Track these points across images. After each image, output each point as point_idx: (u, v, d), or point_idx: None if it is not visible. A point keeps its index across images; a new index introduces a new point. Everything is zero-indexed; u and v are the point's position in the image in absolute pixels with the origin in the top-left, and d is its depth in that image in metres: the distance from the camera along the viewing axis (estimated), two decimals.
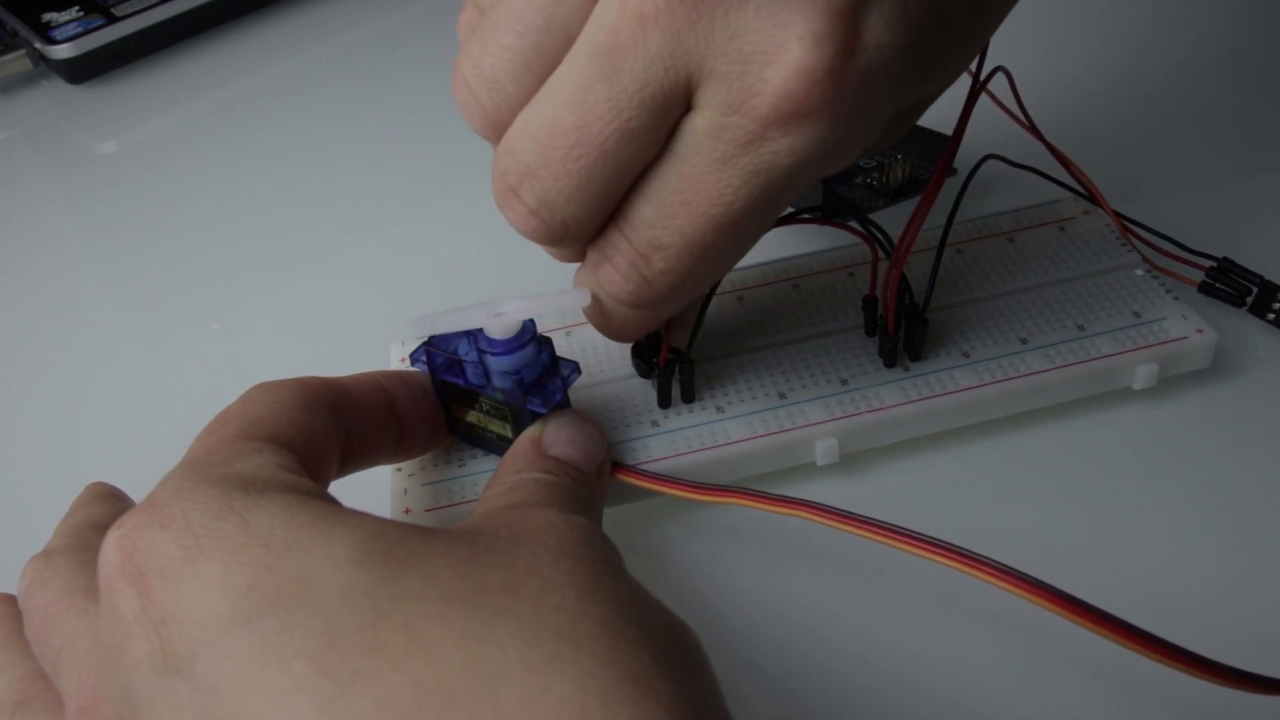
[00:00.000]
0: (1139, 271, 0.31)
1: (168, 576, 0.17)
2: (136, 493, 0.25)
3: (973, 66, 0.28)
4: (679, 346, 0.28)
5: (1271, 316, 0.31)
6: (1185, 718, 0.24)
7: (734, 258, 0.24)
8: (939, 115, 0.28)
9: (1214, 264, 0.32)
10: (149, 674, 0.17)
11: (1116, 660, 0.21)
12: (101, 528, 0.20)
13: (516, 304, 0.24)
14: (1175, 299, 0.30)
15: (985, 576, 0.21)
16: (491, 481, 0.24)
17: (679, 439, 0.28)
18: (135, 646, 0.17)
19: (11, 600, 0.23)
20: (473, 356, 0.25)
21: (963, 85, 0.28)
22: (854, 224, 0.29)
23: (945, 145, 0.28)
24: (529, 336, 0.25)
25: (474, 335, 0.25)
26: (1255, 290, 0.31)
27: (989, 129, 0.33)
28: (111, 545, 0.18)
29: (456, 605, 0.17)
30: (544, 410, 0.25)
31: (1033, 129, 0.32)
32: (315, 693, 0.16)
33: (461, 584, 0.18)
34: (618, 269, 0.23)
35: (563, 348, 0.30)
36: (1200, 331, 0.29)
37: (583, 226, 0.23)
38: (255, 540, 0.18)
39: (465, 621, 0.17)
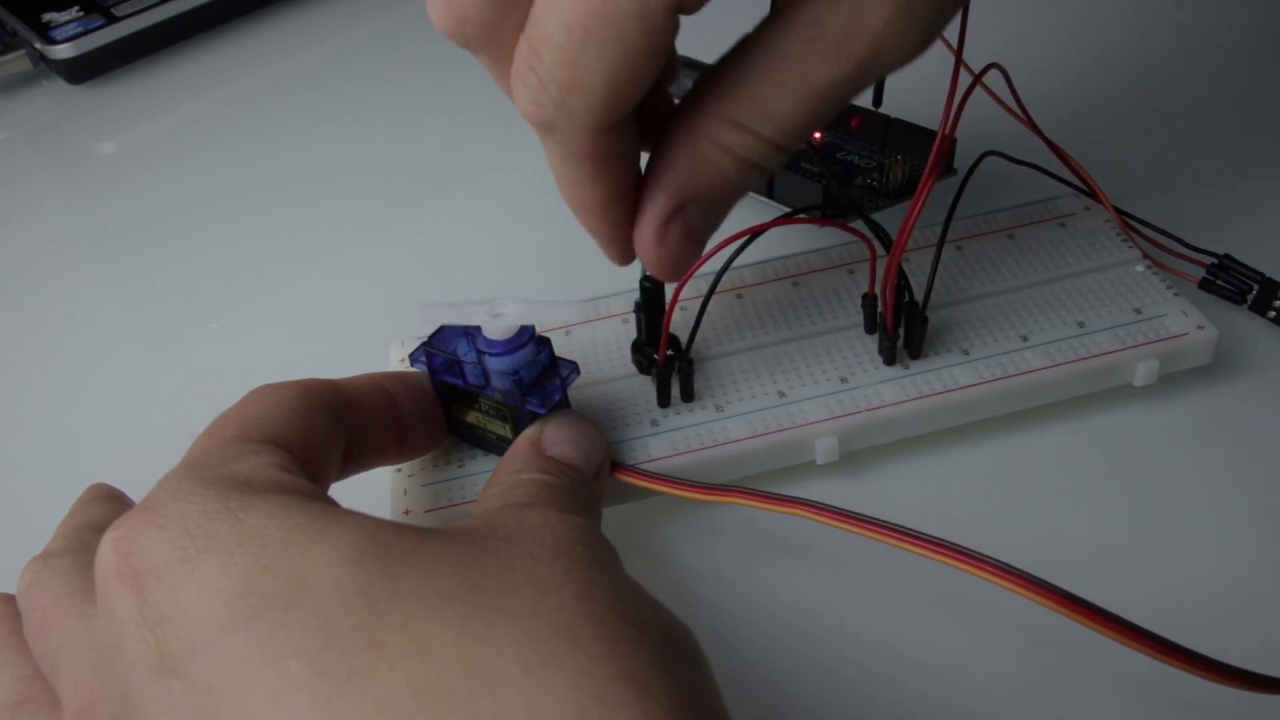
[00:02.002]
0: (1140, 268, 0.31)
1: (163, 577, 0.17)
2: (137, 493, 0.25)
3: (966, 70, 0.28)
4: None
5: (1272, 314, 0.31)
6: (1186, 717, 0.23)
7: (629, 60, 0.20)
8: (938, 115, 0.28)
9: (1215, 261, 0.31)
10: (145, 674, 0.17)
11: (1117, 659, 0.21)
12: (100, 529, 0.20)
13: (515, 307, 0.24)
14: (1176, 295, 0.30)
15: (986, 575, 0.21)
16: (490, 482, 0.24)
17: (678, 438, 0.28)
18: (131, 647, 0.17)
19: (11, 600, 0.23)
20: (472, 357, 0.25)
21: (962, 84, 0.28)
22: (854, 224, 0.29)
23: (938, 143, 0.27)
24: (528, 337, 0.25)
25: (473, 336, 0.25)
26: (1256, 288, 0.31)
27: (989, 125, 0.33)
28: (108, 546, 0.18)
29: (453, 604, 0.17)
30: (543, 410, 0.25)
31: (1031, 125, 0.32)
32: (312, 692, 0.16)
33: (458, 583, 0.18)
34: (517, 74, 0.21)
35: (562, 347, 0.30)
36: (1201, 328, 0.29)
37: (480, 20, 0.21)
38: (251, 540, 0.18)
39: (462, 620, 0.17)
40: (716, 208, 0.24)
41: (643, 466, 0.27)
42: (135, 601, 0.17)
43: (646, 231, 0.24)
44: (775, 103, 0.22)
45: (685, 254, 0.24)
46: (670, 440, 0.27)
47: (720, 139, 0.22)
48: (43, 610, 0.21)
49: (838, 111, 0.22)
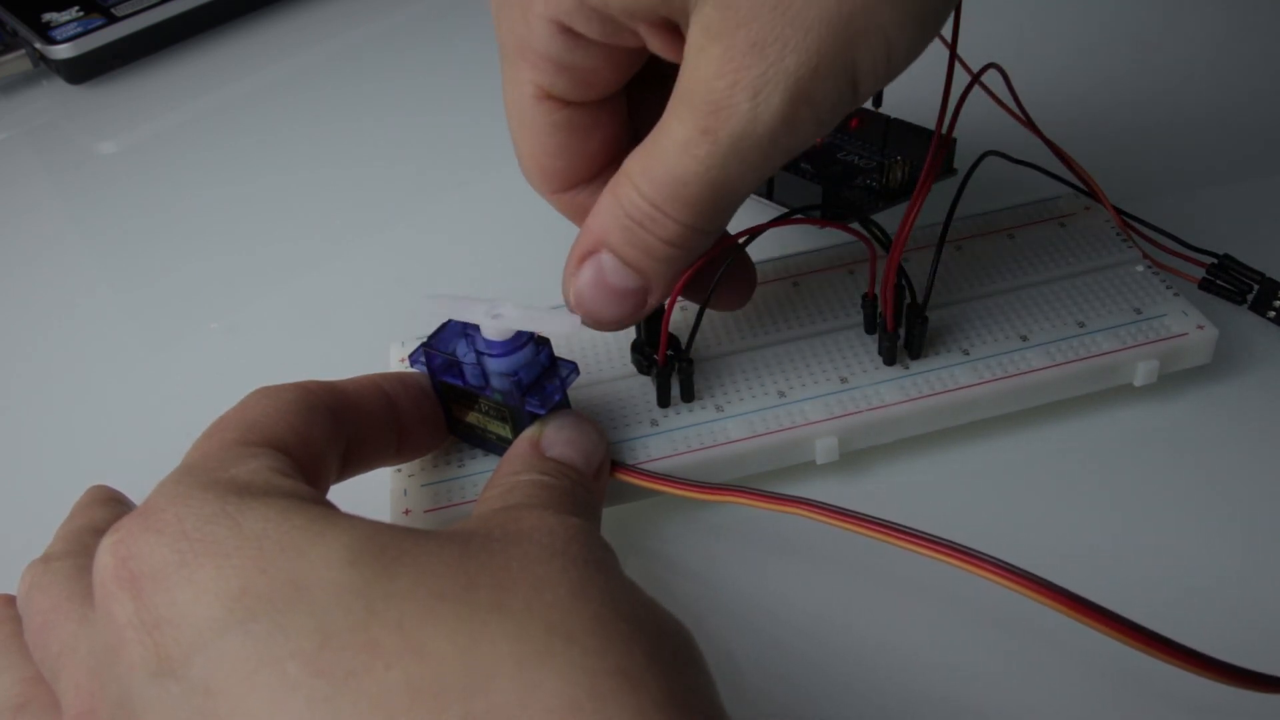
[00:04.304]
0: (1140, 268, 0.31)
1: (161, 581, 0.17)
2: (137, 494, 0.25)
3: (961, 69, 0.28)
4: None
5: (1272, 314, 0.31)
6: (1187, 716, 0.23)
7: (530, 135, 0.25)
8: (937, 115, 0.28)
9: (1215, 261, 0.31)
10: (144, 678, 0.17)
11: (1117, 657, 0.21)
12: (100, 532, 0.20)
13: (514, 311, 0.24)
14: (1176, 295, 0.30)
15: (987, 574, 0.21)
16: (490, 483, 0.24)
17: (678, 438, 0.28)
18: (130, 651, 0.17)
19: (12, 601, 0.23)
20: (471, 358, 0.25)
21: (957, 84, 0.28)
22: (853, 224, 0.29)
23: (935, 144, 0.27)
24: (527, 338, 0.25)
25: (472, 337, 0.25)
26: (1256, 288, 0.31)
27: (988, 126, 0.33)
28: (106, 551, 0.18)
29: (448, 603, 0.17)
30: (542, 411, 0.25)
31: (1030, 125, 0.32)
32: (309, 692, 0.16)
33: (453, 582, 0.18)
34: None
35: (562, 348, 0.30)
36: (1201, 328, 0.29)
37: None
38: (248, 543, 0.18)
39: (456, 619, 0.17)
40: (627, 264, 0.24)
41: (643, 466, 0.27)
42: (133, 605, 0.17)
43: (568, 263, 0.25)
44: (649, 156, 0.23)
45: (596, 300, 0.25)
46: (670, 440, 0.27)
47: (619, 191, 0.23)
48: (43, 614, 0.21)
49: (720, 195, 0.23)
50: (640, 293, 0.25)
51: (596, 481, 0.25)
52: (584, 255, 0.25)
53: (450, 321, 0.26)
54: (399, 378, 0.26)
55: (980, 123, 0.32)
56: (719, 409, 0.28)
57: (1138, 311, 0.29)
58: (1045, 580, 0.21)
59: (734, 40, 0.20)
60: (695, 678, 0.18)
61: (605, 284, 0.25)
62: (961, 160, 0.35)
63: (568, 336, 0.30)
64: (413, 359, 0.26)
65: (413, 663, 0.16)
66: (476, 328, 0.25)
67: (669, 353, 0.28)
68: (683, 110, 0.22)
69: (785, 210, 0.35)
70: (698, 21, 0.21)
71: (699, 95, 0.21)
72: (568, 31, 0.22)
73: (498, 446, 0.27)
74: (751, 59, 0.20)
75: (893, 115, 0.36)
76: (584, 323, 0.25)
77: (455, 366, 0.26)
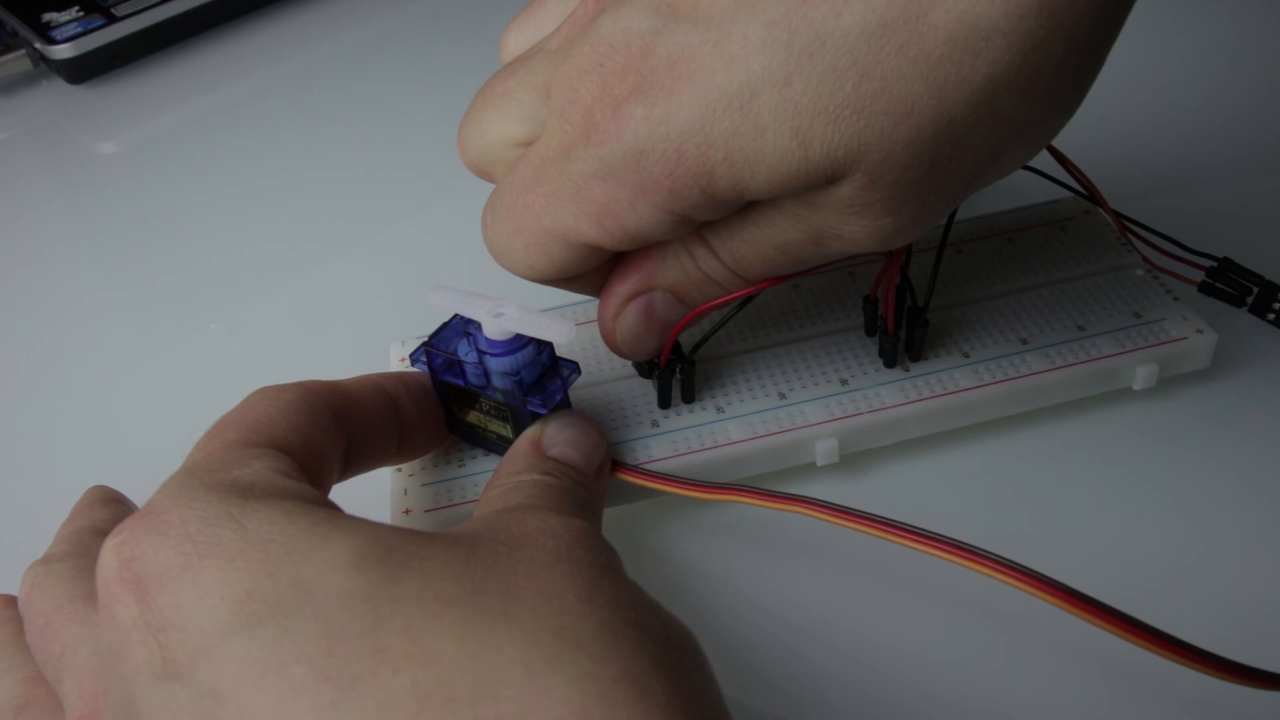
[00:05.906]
0: (1139, 271, 0.31)
1: (166, 583, 0.17)
2: (137, 494, 0.25)
3: None
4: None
5: (1271, 316, 0.31)
6: (1185, 712, 0.24)
7: (546, 261, 0.24)
8: None
9: (1214, 264, 0.31)
10: (149, 681, 0.17)
11: (1117, 655, 0.21)
12: (101, 533, 0.20)
13: (515, 313, 0.24)
14: (1175, 299, 0.30)
15: (988, 571, 0.21)
16: (491, 482, 0.24)
17: (679, 439, 0.28)
18: (134, 653, 0.17)
19: (12, 602, 0.23)
20: (473, 357, 0.25)
21: None
22: None
23: None
24: (529, 337, 0.25)
25: (474, 336, 0.25)
26: (1255, 290, 0.31)
27: None
28: (109, 552, 0.18)
29: (455, 607, 0.17)
30: (544, 411, 0.25)
31: None
32: (316, 697, 0.16)
33: (460, 586, 0.18)
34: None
35: (563, 348, 0.30)
36: (1200, 332, 0.29)
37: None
38: (253, 546, 0.18)
39: (464, 624, 0.17)
40: (680, 302, 0.26)
41: (644, 467, 0.27)
42: (138, 608, 0.17)
43: (607, 304, 0.26)
44: (739, 238, 0.24)
45: (640, 331, 0.26)
46: (671, 441, 0.28)
47: (700, 258, 0.24)
48: (45, 616, 0.21)
49: (800, 268, 0.24)
50: (679, 321, 0.26)
51: (597, 481, 0.25)
52: (634, 296, 0.26)
53: (451, 321, 0.26)
54: (400, 377, 0.26)
55: None
56: (720, 410, 0.28)
57: (1137, 315, 0.30)
58: (1045, 576, 0.21)
59: (872, 212, 0.21)
60: (701, 683, 0.18)
61: (653, 318, 0.26)
62: None
63: (568, 343, 0.30)
64: (414, 358, 0.26)
65: (420, 668, 0.16)
66: (478, 327, 0.25)
67: (670, 354, 0.28)
68: (788, 223, 0.22)
69: None
70: (836, 193, 0.21)
71: (822, 226, 0.22)
72: (683, 219, 0.22)
73: (498, 446, 0.27)
74: (886, 226, 0.22)
75: None
76: (621, 354, 0.27)
77: (457, 365, 0.26)
